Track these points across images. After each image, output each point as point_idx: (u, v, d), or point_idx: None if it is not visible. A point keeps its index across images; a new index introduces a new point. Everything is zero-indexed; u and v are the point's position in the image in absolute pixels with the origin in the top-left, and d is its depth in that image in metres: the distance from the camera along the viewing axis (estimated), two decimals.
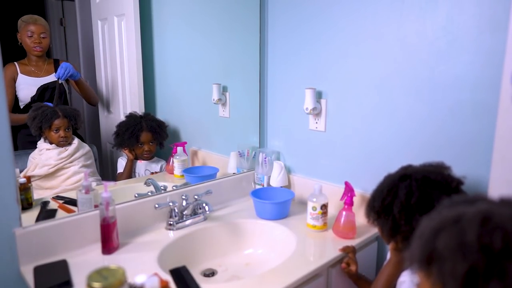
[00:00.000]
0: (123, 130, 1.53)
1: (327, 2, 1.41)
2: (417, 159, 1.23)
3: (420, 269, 0.50)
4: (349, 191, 1.29)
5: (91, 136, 1.71)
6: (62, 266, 1.06)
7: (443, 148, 1.19)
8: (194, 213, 1.37)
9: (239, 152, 1.70)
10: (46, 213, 1.22)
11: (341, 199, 1.31)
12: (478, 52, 1.09)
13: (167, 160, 1.62)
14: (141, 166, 1.58)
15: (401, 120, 1.28)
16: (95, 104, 1.67)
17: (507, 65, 0.94)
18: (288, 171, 1.65)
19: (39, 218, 1.18)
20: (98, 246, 1.15)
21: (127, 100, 1.66)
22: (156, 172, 1.61)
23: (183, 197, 1.36)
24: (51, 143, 1.38)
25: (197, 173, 1.65)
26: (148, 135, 1.55)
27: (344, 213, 1.28)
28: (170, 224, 1.32)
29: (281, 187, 1.58)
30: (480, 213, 0.45)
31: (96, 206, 1.20)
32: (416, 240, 0.52)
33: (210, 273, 1.25)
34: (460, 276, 0.43)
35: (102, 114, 1.72)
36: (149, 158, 1.59)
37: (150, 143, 1.57)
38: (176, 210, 1.32)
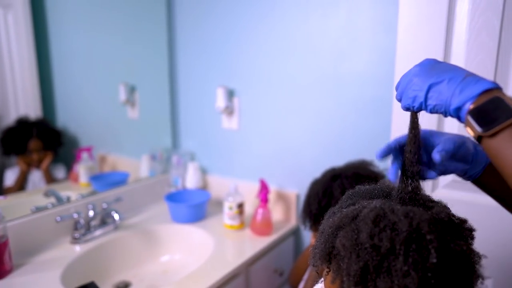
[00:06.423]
0: (9, 136, 1.37)
1: (234, 1, 1.41)
2: (328, 154, 1.30)
3: (322, 264, 0.51)
4: (264, 188, 1.30)
5: None
6: None
7: (351, 142, 1.26)
8: (103, 223, 1.28)
9: (151, 154, 1.63)
10: None
11: (257, 196, 1.32)
12: (374, 51, 1.17)
13: (70, 166, 1.48)
14: (35, 173, 1.42)
15: (310, 116, 1.33)
16: None
17: (398, 63, 1.02)
18: (204, 171, 1.62)
19: None
20: None
21: (19, 103, 1.47)
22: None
23: (90, 206, 1.26)
24: None
25: (105, 180, 1.53)
26: (37, 143, 1.40)
27: (260, 210, 1.29)
28: (76, 238, 1.20)
29: (197, 188, 1.55)
30: (373, 212, 0.48)
31: None
32: (319, 236, 0.53)
33: (123, 286, 1.17)
34: (355, 273, 0.45)
35: None
36: (39, 166, 1.44)
37: (40, 152, 1.41)
38: (82, 222, 1.22)
